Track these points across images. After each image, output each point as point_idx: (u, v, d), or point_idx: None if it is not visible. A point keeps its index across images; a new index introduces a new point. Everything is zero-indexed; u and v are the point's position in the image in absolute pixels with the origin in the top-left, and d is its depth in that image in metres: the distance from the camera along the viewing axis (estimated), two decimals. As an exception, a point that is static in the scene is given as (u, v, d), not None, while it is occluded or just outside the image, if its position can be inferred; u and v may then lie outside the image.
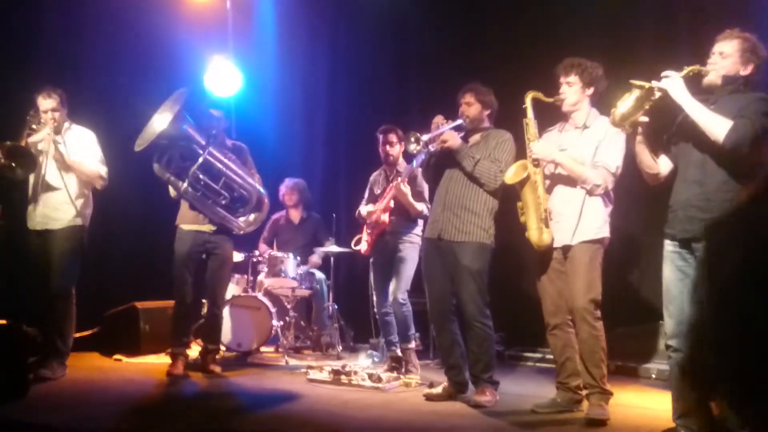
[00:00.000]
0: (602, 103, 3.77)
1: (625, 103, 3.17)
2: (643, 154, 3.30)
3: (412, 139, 4.01)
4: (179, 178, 4.65)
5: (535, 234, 3.72)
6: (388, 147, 5.10)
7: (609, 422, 3.53)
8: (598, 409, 3.58)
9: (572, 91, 3.78)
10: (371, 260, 5.17)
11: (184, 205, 4.85)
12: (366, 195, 5.33)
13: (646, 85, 3.11)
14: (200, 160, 4.62)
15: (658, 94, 3.11)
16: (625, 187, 5.59)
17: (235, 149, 5.04)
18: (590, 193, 3.69)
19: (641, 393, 4.50)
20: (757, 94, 3.09)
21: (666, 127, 3.34)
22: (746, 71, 3.12)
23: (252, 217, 4.95)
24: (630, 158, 4.20)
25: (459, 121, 4.12)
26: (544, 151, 3.75)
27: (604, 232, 3.73)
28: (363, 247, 5.19)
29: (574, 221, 3.70)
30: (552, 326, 3.82)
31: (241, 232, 4.93)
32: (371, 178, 5.35)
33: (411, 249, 4.94)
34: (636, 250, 5.69)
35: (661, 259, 3.28)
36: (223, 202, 4.74)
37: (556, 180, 3.82)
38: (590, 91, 3.78)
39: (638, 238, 5.66)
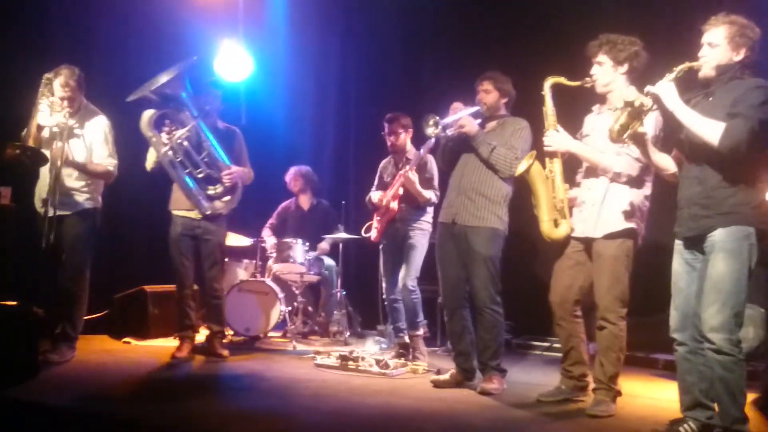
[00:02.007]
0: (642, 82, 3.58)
1: (619, 120, 3.09)
2: (653, 158, 3.26)
3: (431, 122, 3.98)
4: (163, 141, 4.56)
5: (546, 226, 3.67)
6: (392, 137, 5.08)
7: (614, 415, 3.49)
8: (602, 406, 3.51)
9: (603, 71, 3.60)
10: (381, 246, 5.17)
11: (175, 192, 4.83)
12: (376, 182, 5.32)
13: (636, 101, 3.03)
14: (188, 126, 4.57)
15: (650, 105, 3.03)
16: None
17: (226, 131, 4.99)
18: (613, 181, 3.56)
19: (648, 383, 4.50)
20: (755, 80, 2.96)
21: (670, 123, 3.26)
22: (739, 56, 2.99)
23: (221, 202, 4.80)
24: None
25: (476, 108, 4.11)
26: (557, 141, 3.66)
27: (631, 223, 3.54)
28: (373, 234, 5.18)
29: (595, 211, 3.58)
30: (559, 316, 3.79)
31: (208, 212, 4.75)
32: (381, 165, 5.34)
33: (421, 236, 4.94)
34: (648, 240, 5.64)
35: (670, 249, 3.25)
36: (200, 175, 4.70)
37: (587, 167, 3.71)
38: (623, 68, 3.58)
39: (650, 228, 5.61)
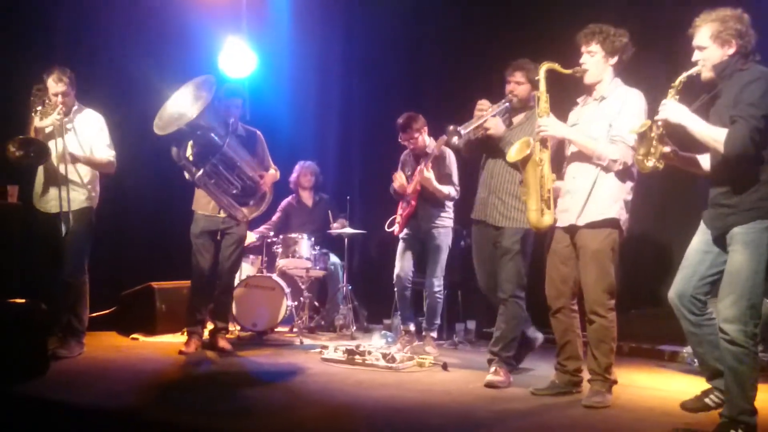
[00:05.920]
0: (630, 77, 3.59)
1: (639, 151, 3.08)
2: (689, 167, 3.20)
3: (453, 135, 3.86)
4: (194, 164, 4.59)
5: (534, 215, 3.60)
6: (411, 143, 5.07)
7: (611, 406, 3.49)
8: (597, 396, 3.50)
9: (594, 61, 3.55)
10: (401, 236, 5.16)
11: (198, 192, 4.87)
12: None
13: (643, 127, 3.02)
14: (221, 151, 4.57)
15: (661, 130, 2.99)
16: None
17: (248, 136, 5.00)
18: (607, 169, 3.48)
19: (654, 374, 4.50)
20: (752, 72, 2.88)
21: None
22: (732, 49, 2.93)
23: (254, 206, 4.95)
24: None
25: (506, 104, 4.00)
26: (553, 127, 3.57)
27: (614, 212, 3.49)
28: (396, 228, 5.18)
29: (581, 200, 3.53)
30: (554, 310, 3.75)
31: (244, 220, 4.89)
32: (402, 158, 5.31)
33: (445, 235, 5.01)
34: (655, 233, 5.63)
35: (681, 242, 3.24)
36: (234, 191, 4.76)
37: (573, 156, 3.65)
38: (613, 60, 3.55)
39: (658, 220, 5.61)
